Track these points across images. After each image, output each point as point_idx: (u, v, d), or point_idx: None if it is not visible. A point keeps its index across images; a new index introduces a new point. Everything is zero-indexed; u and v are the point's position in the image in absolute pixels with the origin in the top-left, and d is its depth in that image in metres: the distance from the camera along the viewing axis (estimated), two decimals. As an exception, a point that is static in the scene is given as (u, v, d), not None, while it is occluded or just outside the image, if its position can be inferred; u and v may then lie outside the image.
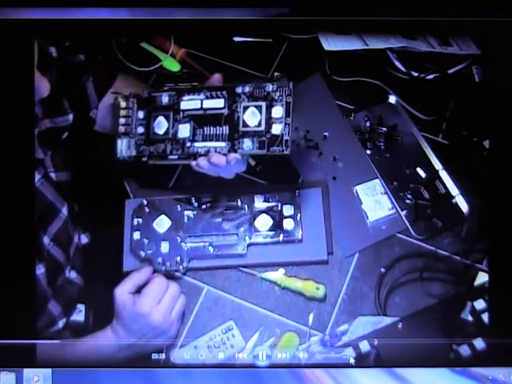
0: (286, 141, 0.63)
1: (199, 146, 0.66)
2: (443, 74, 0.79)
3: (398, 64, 0.79)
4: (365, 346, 0.64)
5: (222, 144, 0.65)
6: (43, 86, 0.62)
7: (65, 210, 0.69)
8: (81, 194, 0.73)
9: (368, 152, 0.77)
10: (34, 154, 0.64)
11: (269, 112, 0.64)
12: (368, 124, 0.79)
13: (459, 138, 0.77)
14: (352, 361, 0.64)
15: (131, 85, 0.75)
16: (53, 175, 0.68)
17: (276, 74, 0.65)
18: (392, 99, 0.80)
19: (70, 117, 0.69)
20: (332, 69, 0.82)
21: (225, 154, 0.64)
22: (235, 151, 0.65)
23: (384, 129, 0.78)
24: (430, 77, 0.79)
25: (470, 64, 0.78)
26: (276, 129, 0.64)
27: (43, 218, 0.66)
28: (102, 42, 0.80)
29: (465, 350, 0.63)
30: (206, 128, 0.66)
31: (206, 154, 0.65)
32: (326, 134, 0.79)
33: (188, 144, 0.67)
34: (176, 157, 0.67)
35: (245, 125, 0.65)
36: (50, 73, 0.65)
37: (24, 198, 0.63)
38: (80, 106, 0.71)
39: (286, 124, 0.63)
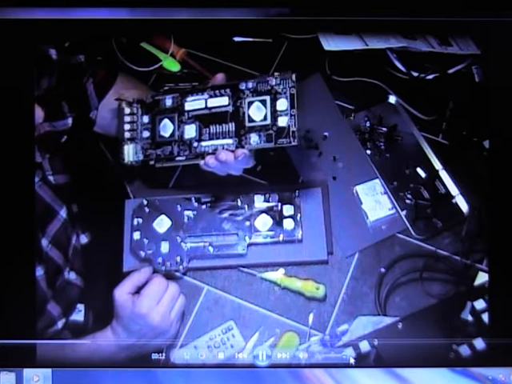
0: (293, 132, 0.63)
1: (206, 145, 0.66)
2: (443, 74, 0.79)
3: (398, 64, 0.79)
4: (365, 346, 0.64)
5: (229, 141, 0.65)
6: (37, 115, 0.62)
7: (63, 212, 0.69)
8: (80, 194, 0.73)
9: (368, 152, 0.77)
10: (33, 157, 0.63)
11: (273, 105, 0.64)
12: (368, 124, 0.79)
13: (459, 138, 0.77)
14: (352, 361, 0.64)
15: (132, 85, 0.75)
16: (51, 178, 0.68)
17: (276, 73, 0.65)
18: (392, 99, 0.80)
19: (70, 121, 0.69)
20: (332, 69, 0.82)
21: (232, 151, 0.64)
22: (242, 147, 0.65)
23: (384, 129, 0.78)
24: (430, 77, 0.79)
25: (469, 64, 0.78)
26: (282, 121, 0.64)
27: (42, 221, 0.66)
28: (102, 43, 0.80)
29: (465, 350, 0.63)
30: (212, 127, 0.66)
31: (214, 152, 0.65)
32: (326, 133, 0.79)
33: (195, 144, 0.67)
34: (184, 158, 0.67)
35: (251, 120, 0.65)
36: (50, 76, 0.65)
37: (23, 202, 0.63)
38: (80, 108, 0.71)
39: (291, 115, 0.63)
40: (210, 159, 0.64)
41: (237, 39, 0.82)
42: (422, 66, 0.79)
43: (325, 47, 0.75)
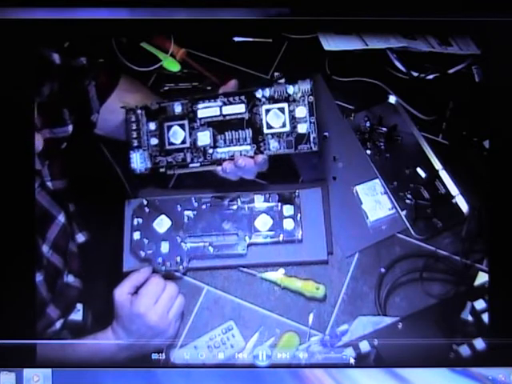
0: (314, 138, 0.65)
1: (222, 151, 0.67)
2: (443, 74, 0.79)
3: (398, 64, 0.79)
4: (365, 346, 0.64)
5: (247, 147, 0.66)
6: (37, 143, 0.62)
7: (61, 217, 0.68)
8: (79, 196, 0.72)
9: (368, 152, 0.77)
10: (33, 164, 0.63)
11: (292, 112, 0.65)
12: (368, 124, 0.79)
13: (459, 138, 0.77)
14: (352, 361, 0.64)
15: (134, 88, 0.74)
16: (49, 184, 0.67)
17: (276, 74, 0.65)
18: (392, 99, 0.80)
19: (70, 128, 0.69)
20: (332, 69, 0.82)
21: (251, 157, 0.65)
22: (261, 153, 0.66)
23: (384, 129, 0.78)
24: (430, 77, 0.79)
25: (470, 64, 0.78)
26: (301, 128, 0.65)
27: (41, 227, 0.66)
28: (103, 44, 0.80)
29: (465, 350, 0.63)
30: (227, 133, 0.67)
31: (231, 158, 0.66)
32: (326, 133, 0.79)
33: (210, 151, 0.67)
34: (198, 164, 0.68)
35: (269, 126, 0.66)
36: (52, 82, 0.65)
37: (23, 208, 0.62)
38: (81, 111, 0.71)
39: (310, 123, 0.65)
40: (227, 165, 0.65)
41: (237, 39, 0.82)
42: (422, 66, 0.79)
43: (325, 47, 0.75)
